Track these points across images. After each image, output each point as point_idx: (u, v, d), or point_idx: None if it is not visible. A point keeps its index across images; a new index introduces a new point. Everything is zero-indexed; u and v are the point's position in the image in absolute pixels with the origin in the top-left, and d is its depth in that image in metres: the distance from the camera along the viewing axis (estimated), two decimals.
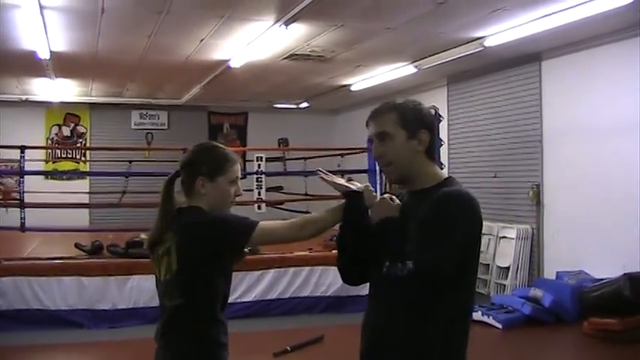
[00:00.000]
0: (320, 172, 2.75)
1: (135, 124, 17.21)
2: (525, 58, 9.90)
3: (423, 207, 2.38)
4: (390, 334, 2.43)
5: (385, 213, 2.48)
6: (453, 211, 2.35)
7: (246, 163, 11.81)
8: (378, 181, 9.96)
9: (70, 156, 16.93)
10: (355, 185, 2.64)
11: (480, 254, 5.74)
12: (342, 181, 2.67)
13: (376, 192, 2.68)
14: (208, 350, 2.72)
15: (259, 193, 10.96)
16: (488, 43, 8.90)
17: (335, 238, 2.68)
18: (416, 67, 10.83)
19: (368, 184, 2.66)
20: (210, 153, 2.91)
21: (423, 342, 2.37)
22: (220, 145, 2.99)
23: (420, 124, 2.50)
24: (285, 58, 10.39)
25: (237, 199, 2.92)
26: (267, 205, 11.24)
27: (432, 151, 2.54)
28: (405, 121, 2.49)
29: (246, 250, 2.97)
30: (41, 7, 7.57)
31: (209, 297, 2.73)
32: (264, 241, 2.91)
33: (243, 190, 3.01)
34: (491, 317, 8.02)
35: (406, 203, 2.54)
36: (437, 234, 2.31)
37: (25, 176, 10.14)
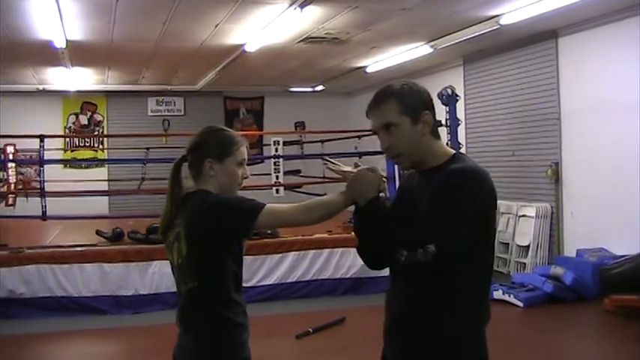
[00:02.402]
0: (327, 161, 2.74)
1: (151, 111, 17.26)
2: (541, 35, 9.82)
3: (433, 186, 2.37)
4: (405, 312, 2.44)
5: (361, 193, 2.47)
6: (460, 189, 2.33)
7: (264, 147, 11.83)
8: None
9: (87, 144, 17.03)
10: None
11: (499, 232, 5.68)
12: (348, 168, 2.63)
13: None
14: (226, 331, 2.75)
15: (277, 177, 10.99)
16: (504, 21, 8.83)
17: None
18: (431, 47, 10.77)
19: (375, 167, 2.60)
20: (217, 135, 2.94)
21: (431, 318, 2.37)
22: (226, 128, 3.03)
23: (421, 106, 2.46)
24: (301, 41, 10.37)
25: (254, 182, 2.93)
26: (285, 189, 11.26)
27: (436, 129, 2.52)
28: (406, 107, 2.44)
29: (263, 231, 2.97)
30: None
31: (221, 279, 2.74)
32: (272, 224, 2.91)
33: (262, 174, 3.01)
34: (512, 296, 8.02)
35: (416, 184, 2.54)
36: (446, 213, 2.30)
37: (45, 165, 10.21)
